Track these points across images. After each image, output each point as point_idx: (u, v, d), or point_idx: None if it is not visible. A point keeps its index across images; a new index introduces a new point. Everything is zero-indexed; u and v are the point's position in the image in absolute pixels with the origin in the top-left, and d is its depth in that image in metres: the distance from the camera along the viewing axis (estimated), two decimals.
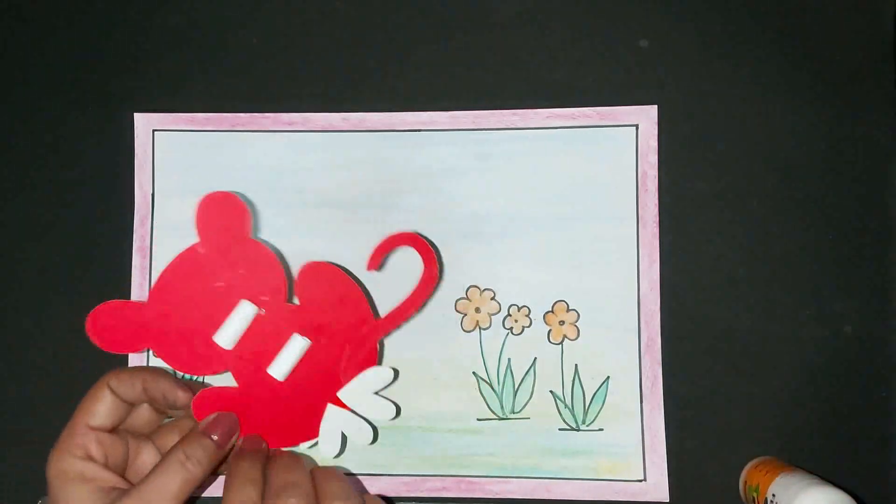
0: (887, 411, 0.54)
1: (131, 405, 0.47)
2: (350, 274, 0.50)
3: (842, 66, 0.56)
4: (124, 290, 0.56)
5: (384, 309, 0.51)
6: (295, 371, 0.49)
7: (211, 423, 0.47)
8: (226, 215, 0.49)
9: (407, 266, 0.51)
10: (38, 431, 0.55)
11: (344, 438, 0.50)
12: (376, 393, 0.50)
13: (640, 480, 0.54)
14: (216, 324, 0.48)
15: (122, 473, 0.47)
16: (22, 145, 0.57)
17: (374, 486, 0.54)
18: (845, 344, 0.54)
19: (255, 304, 0.48)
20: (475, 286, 0.55)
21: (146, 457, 0.48)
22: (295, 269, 0.50)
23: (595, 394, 0.54)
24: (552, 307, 0.55)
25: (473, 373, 0.55)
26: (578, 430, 0.54)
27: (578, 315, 0.55)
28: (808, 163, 0.55)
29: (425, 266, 0.50)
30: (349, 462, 0.54)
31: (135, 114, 0.57)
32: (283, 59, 0.57)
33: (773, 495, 0.48)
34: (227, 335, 0.48)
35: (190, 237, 0.56)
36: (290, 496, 0.43)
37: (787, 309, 0.54)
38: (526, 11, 0.57)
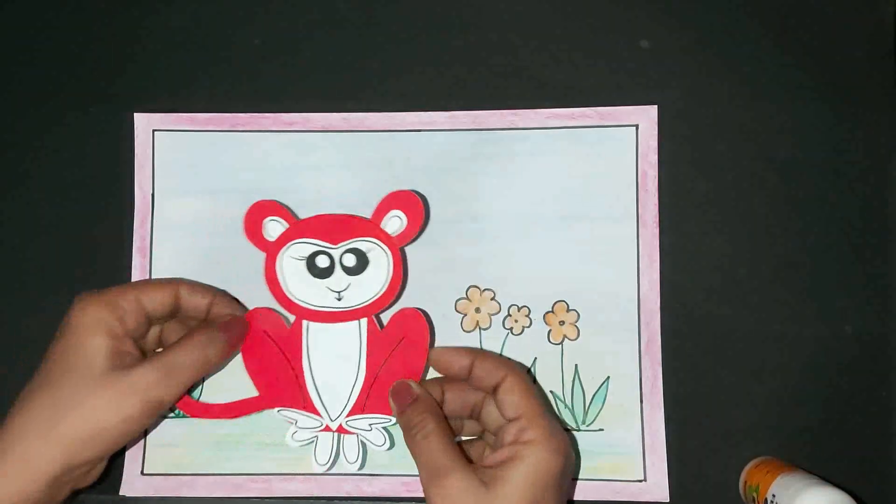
0: (887, 411, 0.54)
1: (177, 310, 0.49)
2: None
3: (842, 66, 0.56)
4: None
5: None
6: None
7: (226, 323, 0.48)
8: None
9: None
10: None
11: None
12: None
13: (641, 480, 0.54)
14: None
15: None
16: (22, 145, 0.57)
17: (374, 486, 0.54)
18: (845, 344, 0.54)
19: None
20: (475, 286, 0.55)
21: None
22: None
23: (595, 394, 0.54)
24: (552, 307, 0.55)
25: None
26: (578, 430, 0.54)
27: (578, 315, 0.55)
28: (808, 163, 0.55)
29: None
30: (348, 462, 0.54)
31: (135, 114, 0.57)
32: (284, 59, 0.57)
33: (773, 495, 0.48)
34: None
35: (190, 237, 0.56)
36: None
37: (787, 309, 0.54)
38: (526, 11, 0.57)
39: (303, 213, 0.54)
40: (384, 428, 0.51)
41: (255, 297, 0.54)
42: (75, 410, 0.43)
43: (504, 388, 0.45)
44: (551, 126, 0.56)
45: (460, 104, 0.56)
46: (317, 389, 0.51)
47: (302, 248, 0.51)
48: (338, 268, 0.51)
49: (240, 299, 0.55)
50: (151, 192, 0.57)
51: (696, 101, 0.56)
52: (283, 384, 0.51)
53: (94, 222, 0.57)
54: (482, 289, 0.55)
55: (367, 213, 0.52)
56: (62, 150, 0.57)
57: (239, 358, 0.52)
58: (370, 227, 0.51)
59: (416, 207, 0.51)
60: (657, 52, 0.56)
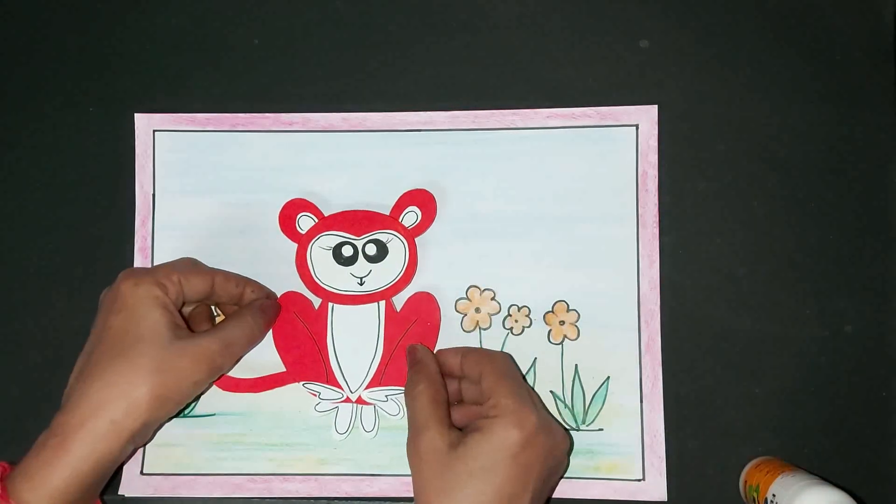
0: (887, 411, 0.54)
1: (209, 296, 0.52)
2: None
3: (842, 66, 0.56)
4: None
5: None
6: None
7: (264, 304, 0.54)
8: None
9: None
10: (39, 431, 0.55)
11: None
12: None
13: (640, 480, 0.53)
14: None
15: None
16: (22, 145, 0.57)
17: (373, 486, 0.54)
18: (845, 344, 0.54)
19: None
20: (475, 286, 0.55)
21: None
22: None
23: (595, 394, 0.54)
24: (552, 307, 0.55)
25: None
26: (578, 430, 0.54)
27: (578, 315, 0.55)
28: (808, 163, 0.55)
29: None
30: (348, 463, 0.54)
31: (135, 114, 0.57)
32: (284, 59, 0.57)
33: (773, 495, 0.48)
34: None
35: (190, 237, 0.56)
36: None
37: (787, 309, 0.54)
38: (526, 12, 0.57)
39: None
40: (399, 399, 0.55)
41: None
42: (155, 375, 0.47)
43: (483, 375, 0.50)
44: (551, 126, 0.56)
45: (460, 104, 0.56)
46: (339, 364, 0.55)
47: (329, 239, 0.56)
48: (360, 256, 0.55)
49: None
50: (152, 191, 0.57)
51: (696, 101, 0.56)
52: (308, 360, 0.55)
53: (95, 222, 0.57)
54: (482, 289, 0.55)
55: (369, 209, 0.55)
56: (62, 150, 0.57)
57: (267, 337, 0.55)
58: (389, 221, 0.55)
59: (430, 204, 0.55)
60: (657, 52, 0.56)
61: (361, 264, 0.55)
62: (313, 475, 0.54)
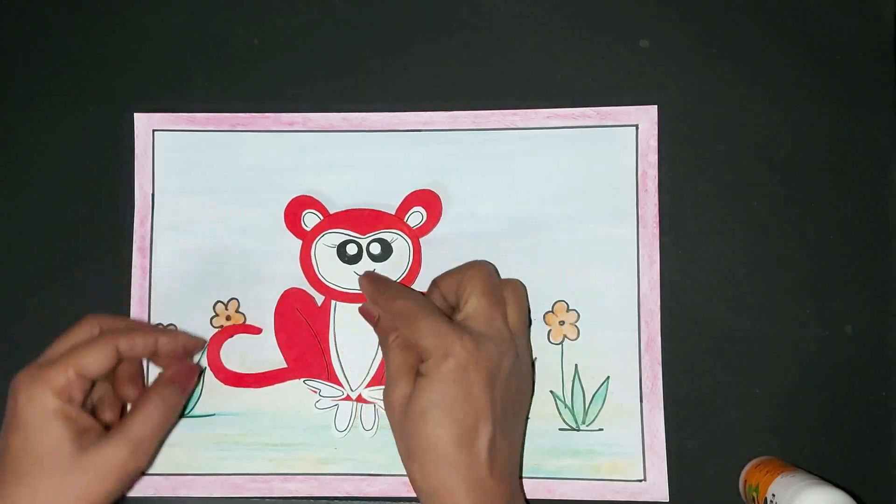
0: (887, 411, 0.54)
1: (119, 361, 0.49)
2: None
3: (842, 66, 0.56)
4: (124, 290, 0.56)
5: None
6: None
7: (175, 373, 0.51)
8: None
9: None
10: None
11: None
12: None
13: (640, 480, 0.54)
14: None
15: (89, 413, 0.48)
16: (21, 145, 0.57)
17: (374, 486, 0.54)
18: (845, 344, 0.54)
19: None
20: None
21: (98, 392, 0.50)
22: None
23: (595, 394, 0.54)
24: (552, 307, 0.55)
25: None
26: (578, 430, 0.54)
27: (578, 315, 0.55)
28: (808, 163, 0.55)
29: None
30: (349, 462, 0.54)
31: (135, 114, 0.57)
32: (284, 59, 0.57)
33: (773, 495, 0.48)
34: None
35: (189, 237, 0.56)
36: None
37: (787, 309, 0.54)
38: (526, 11, 0.57)
39: None
40: None
41: (253, 296, 0.56)
42: (60, 496, 0.45)
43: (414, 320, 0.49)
44: (551, 126, 0.56)
45: (460, 104, 0.56)
46: (340, 362, 0.55)
47: (334, 237, 0.56)
48: (365, 255, 0.55)
49: (240, 299, 0.55)
50: (151, 191, 0.57)
51: (696, 101, 0.56)
52: (310, 357, 0.55)
53: (95, 222, 0.57)
54: None
55: (374, 209, 0.54)
56: (62, 150, 0.57)
57: (270, 333, 0.55)
58: (395, 220, 0.56)
59: (436, 205, 0.56)
60: (657, 52, 0.56)
61: (366, 263, 0.56)
62: (314, 475, 0.54)
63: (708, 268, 0.55)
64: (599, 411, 0.54)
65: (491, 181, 0.56)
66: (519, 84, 0.56)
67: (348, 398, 0.55)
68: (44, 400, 0.46)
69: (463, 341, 0.47)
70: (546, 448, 0.54)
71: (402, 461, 0.48)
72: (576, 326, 0.55)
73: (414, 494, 0.53)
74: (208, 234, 0.56)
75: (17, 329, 0.56)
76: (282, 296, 0.56)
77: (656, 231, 0.55)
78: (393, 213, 0.56)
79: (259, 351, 0.55)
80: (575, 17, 0.56)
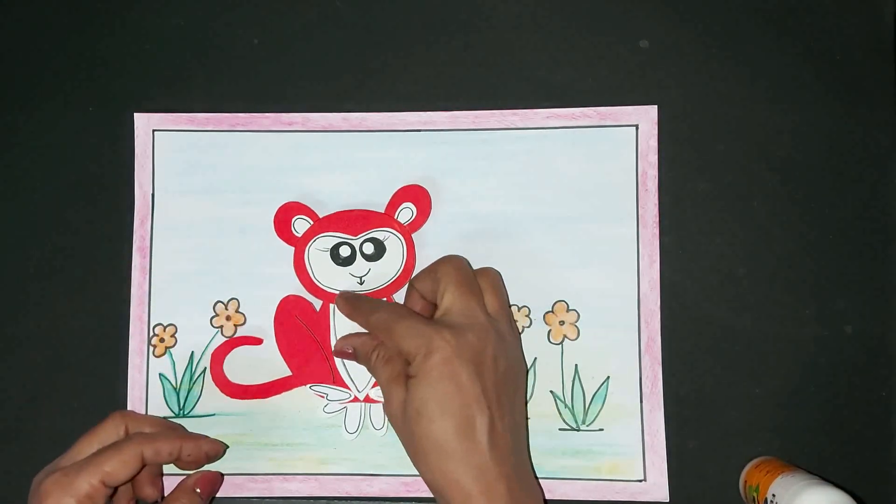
0: (887, 411, 0.54)
1: (142, 468, 0.49)
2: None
3: (842, 66, 0.56)
4: (124, 290, 0.56)
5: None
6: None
7: (198, 480, 0.51)
8: None
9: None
10: (38, 431, 0.55)
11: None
12: None
13: (641, 480, 0.54)
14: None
15: None
16: (21, 145, 0.57)
17: (374, 486, 0.54)
18: (845, 344, 0.54)
19: None
20: None
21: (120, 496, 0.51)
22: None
23: (595, 394, 0.54)
24: (552, 307, 0.55)
25: None
26: (578, 430, 0.54)
27: (578, 315, 0.55)
28: (808, 163, 0.55)
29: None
30: (349, 462, 0.54)
31: (135, 114, 0.57)
32: (283, 59, 0.57)
33: (773, 495, 0.48)
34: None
35: (189, 237, 0.56)
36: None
37: (787, 309, 0.54)
38: (526, 11, 0.57)
39: None
40: None
41: (253, 296, 0.56)
42: None
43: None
44: (551, 126, 0.56)
45: (460, 104, 0.56)
46: (344, 365, 0.55)
47: (326, 240, 0.56)
48: (358, 256, 0.55)
49: (240, 299, 0.55)
50: (151, 191, 0.57)
51: (696, 101, 0.56)
52: (314, 363, 0.55)
53: (94, 222, 0.57)
54: None
55: (365, 208, 0.54)
56: (62, 150, 0.57)
57: (271, 342, 0.55)
58: (385, 218, 0.55)
59: (425, 199, 0.56)
60: (657, 51, 0.56)
61: (360, 264, 0.55)
62: (314, 475, 0.54)
63: (708, 268, 0.55)
64: (599, 411, 0.54)
65: (491, 181, 0.56)
66: (519, 84, 0.56)
67: (356, 400, 0.55)
68: None
69: (443, 335, 0.47)
70: (546, 448, 0.54)
71: (413, 464, 0.49)
72: (576, 326, 0.55)
73: (414, 494, 0.53)
74: (208, 234, 0.56)
75: (18, 329, 0.56)
76: (279, 304, 0.55)
77: (656, 231, 0.55)
78: (382, 210, 0.56)
79: (262, 361, 0.55)
80: (575, 18, 0.56)
